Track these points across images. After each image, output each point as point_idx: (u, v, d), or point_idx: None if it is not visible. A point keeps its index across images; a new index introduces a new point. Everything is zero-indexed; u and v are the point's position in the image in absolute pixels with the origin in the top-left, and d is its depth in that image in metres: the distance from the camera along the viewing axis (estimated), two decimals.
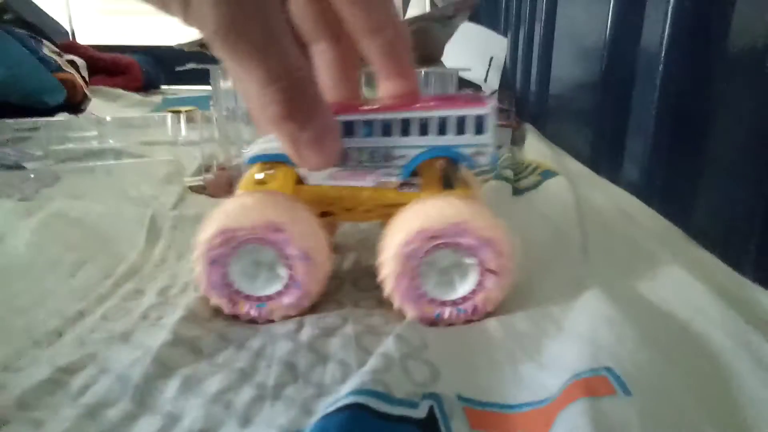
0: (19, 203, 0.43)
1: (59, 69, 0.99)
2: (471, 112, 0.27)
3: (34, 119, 0.68)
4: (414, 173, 0.28)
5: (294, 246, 0.26)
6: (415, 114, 0.27)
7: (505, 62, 1.06)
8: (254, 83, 0.21)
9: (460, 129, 0.27)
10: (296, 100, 0.22)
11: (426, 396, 0.20)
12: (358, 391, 0.19)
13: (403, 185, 0.28)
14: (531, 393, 0.21)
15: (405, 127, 0.27)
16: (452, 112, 0.27)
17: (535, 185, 0.50)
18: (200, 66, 0.48)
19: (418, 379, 0.21)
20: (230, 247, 0.27)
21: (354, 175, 0.28)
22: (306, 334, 0.26)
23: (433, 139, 0.27)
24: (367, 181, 0.28)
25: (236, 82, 0.23)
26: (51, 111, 0.89)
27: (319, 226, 0.28)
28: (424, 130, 0.27)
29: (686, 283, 0.29)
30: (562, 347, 0.23)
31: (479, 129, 0.27)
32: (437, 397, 0.20)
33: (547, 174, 0.52)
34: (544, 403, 0.20)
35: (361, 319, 0.27)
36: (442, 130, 0.27)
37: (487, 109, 0.27)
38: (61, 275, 0.32)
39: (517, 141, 0.71)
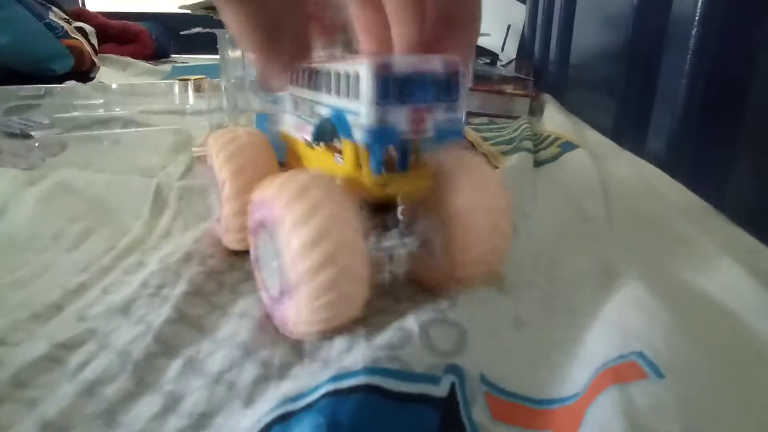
0: (23, 172, 0.42)
1: (66, 35, 0.97)
2: (344, 68, 0.20)
3: (38, 86, 0.67)
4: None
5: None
6: (311, 66, 0.23)
7: (523, 30, 1.03)
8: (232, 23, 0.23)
9: (346, 89, 0.21)
10: (270, 43, 0.23)
11: (449, 369, 0.19)
12: (371, 370, 0.18)
13: (337, 152, 0.24)
14: (560, 388, 0.20)
15: (312, 81, 0.23)
16: (331, 67, 0.21)
17: (555, 157, 0.48)
18: (206, 30, 0.46)
19: (443, 347, 0.20)
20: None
21: (299, 126, 0.27)
22: None
23: (329, 99, 0.22)
24: (301, 135, 0.26)
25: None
26: (59, 78, 0.88)
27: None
28: (328, 87, 0.22)
29: (720, 263, 0.27)
30: (590, 333, 0.22)
31: (354, 92, 0.20)
32: (460, 372, 0.19)
33: (567, 146, 0.50)
34: (574, 399, 0.19)
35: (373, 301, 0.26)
36: (337, 89, 0.21)
37: (364, 66, 0.19)
38: (63, 247, 0.31)
39: (535, 111, 0.69)
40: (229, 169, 0.27)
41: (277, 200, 0.20)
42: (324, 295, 0.20)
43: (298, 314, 0.21)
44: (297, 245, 0.19)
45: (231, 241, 0.29)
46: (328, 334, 0.21)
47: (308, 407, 0.17)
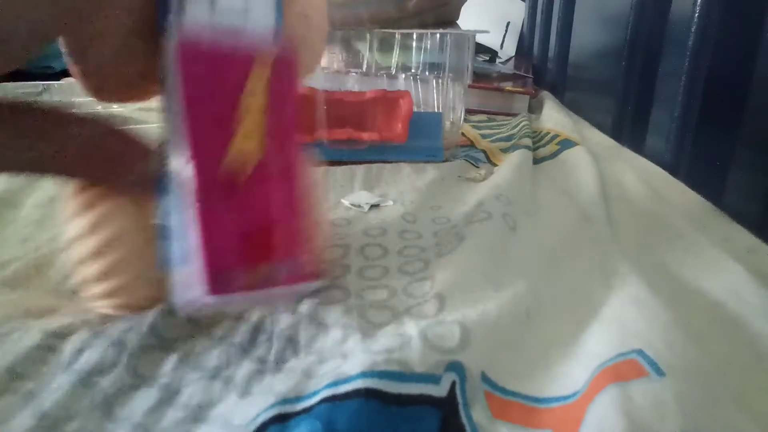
0: None
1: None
2: None
3: (36, 83, 0.66)
4: None
5: None
6: None
7: (522, 27, 1.03)
8: None
9: None
10: None
11: (450, 367, 0.19)
12: (369, 373, 0.18)
13: None
14: (559, 386, 0.19)
15: None
16: None
17: (553, 155, 0.48)
18: None
19: (445, 344, 0.20)
20: None
21: None
22: (306, 305, 0.25)
23: None
24: None
25: None
26: (57, 76, 0.87)
27: None
28: None
29: (720, 262, 0.27)
30: (590, 332, 0.22)
31: None
32: (461, 370, 0.19)
33: (566, 144, 0.49)
34: (573, 398, 0.18)
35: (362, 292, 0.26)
36: None
37: None
38: (57, 248, 0.31)
39: (534, 109, 0.69)
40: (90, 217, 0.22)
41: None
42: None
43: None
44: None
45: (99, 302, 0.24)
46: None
47: (306, 411, 0.17)
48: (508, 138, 0.53)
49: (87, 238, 0.22)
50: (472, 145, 0.53)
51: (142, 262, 0.22)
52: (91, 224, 0.22)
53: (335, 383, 0.18)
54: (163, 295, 0.23)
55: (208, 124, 0.20)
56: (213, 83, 0.20)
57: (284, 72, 0.21)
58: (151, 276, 0.22)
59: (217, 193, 0.20)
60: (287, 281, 0.21)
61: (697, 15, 0.39)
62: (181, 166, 0.20)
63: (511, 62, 0.92)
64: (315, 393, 0.18)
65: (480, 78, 0.73)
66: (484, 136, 0.55)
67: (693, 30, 0.39)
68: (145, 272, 0.23)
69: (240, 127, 0.20)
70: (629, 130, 0.54)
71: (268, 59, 0.20)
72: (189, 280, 0.20)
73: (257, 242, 0.20)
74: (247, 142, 0.20)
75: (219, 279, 0.19)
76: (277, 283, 0.20)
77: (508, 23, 1.01)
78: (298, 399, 0.18)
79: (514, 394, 0.19)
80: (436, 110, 0.53)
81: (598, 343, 0.20)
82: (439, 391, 0.18)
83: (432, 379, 0.18)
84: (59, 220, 0.33)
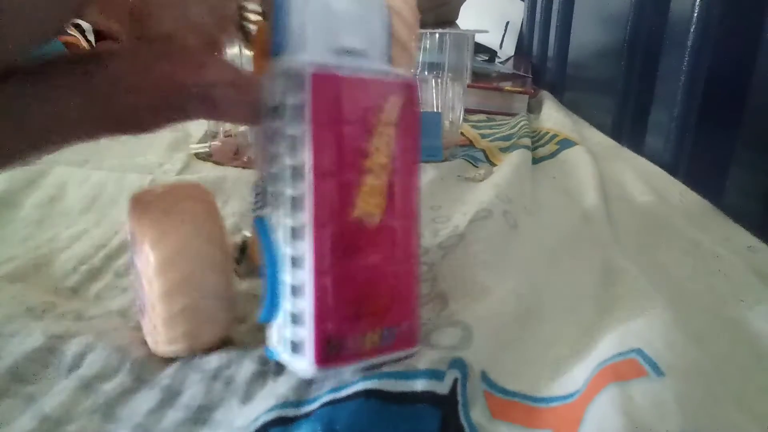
0: (22, 169, 0.42)
1: (63, 32, 0.97)
2: None
3: None
4: None
5: None
6: None
7: (521, 27, 1.03)
8: None
9: None
10: None
11: (454, 363, 0.19)
12: (369, 376, 0.18)
13: None
14: (559, 386, 0.19)
15: None
16: None
17: (553, 154, 0.48)
18: None
19: (447, 343, 0.20)
20: None
21: None
22: None
23: None
24: None
25: None
26: None
27: None
28: None
29: (720, 261, 0.27)
30: (589, 332, 0.22)
31: None
32: (464, 368, 0.19)
33: (566, 143, 0.49)
34: (573, 397, 0.18)
35: None
36: None
37: None
38: (56, 248, 0.31)
39: (534, 109, 0.69)
40: (158, 256, 0.20)
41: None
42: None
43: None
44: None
45: (160, 344, 0.21)
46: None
47: (307, 416, 0.17)
48: (508, 137, 0.53)
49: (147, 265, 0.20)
50: (471, 144, 0.53)
51: (202, 290, 0.20)
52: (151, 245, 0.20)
53: (337, 388, 0.18)
54: (228, 330, 0.22)
55: (337, 167, 0.17)
56: (347, 119, 0.17)
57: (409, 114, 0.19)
58: (214, 308, 0.20)
59: (336, 253, 0.17)
60: (392, 348, 0.19)
61: (696, 15, 0.39)
62: (296, 221, 0.17)
63: (511, 62, 0.92)
64: (316, 398, 0.18)
65: (479, 78, 0.73)
66: (483, 136, 0.55)
67: (693, 30, 0.39)
68: (206, 303, 0.20)
69: (368, 174, 0.18)
70: (629, 130, 0.54)
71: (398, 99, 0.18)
72: (298, 348, 0.18)
73: (370, 307, 0.18)
74: (372, 196, 0.18)
75: (328, 349, 0.18)
76: (383, 351, 0.19)
77: (508, 23, 1.01)
78: (299, 403, 0.18)
79: (514, 393, 0.19)
80: (435, 110, 0.53)
81: (597, 342, 0.20)
82: (442, 388, 0.18)
83: (436, 374, 0.18)
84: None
